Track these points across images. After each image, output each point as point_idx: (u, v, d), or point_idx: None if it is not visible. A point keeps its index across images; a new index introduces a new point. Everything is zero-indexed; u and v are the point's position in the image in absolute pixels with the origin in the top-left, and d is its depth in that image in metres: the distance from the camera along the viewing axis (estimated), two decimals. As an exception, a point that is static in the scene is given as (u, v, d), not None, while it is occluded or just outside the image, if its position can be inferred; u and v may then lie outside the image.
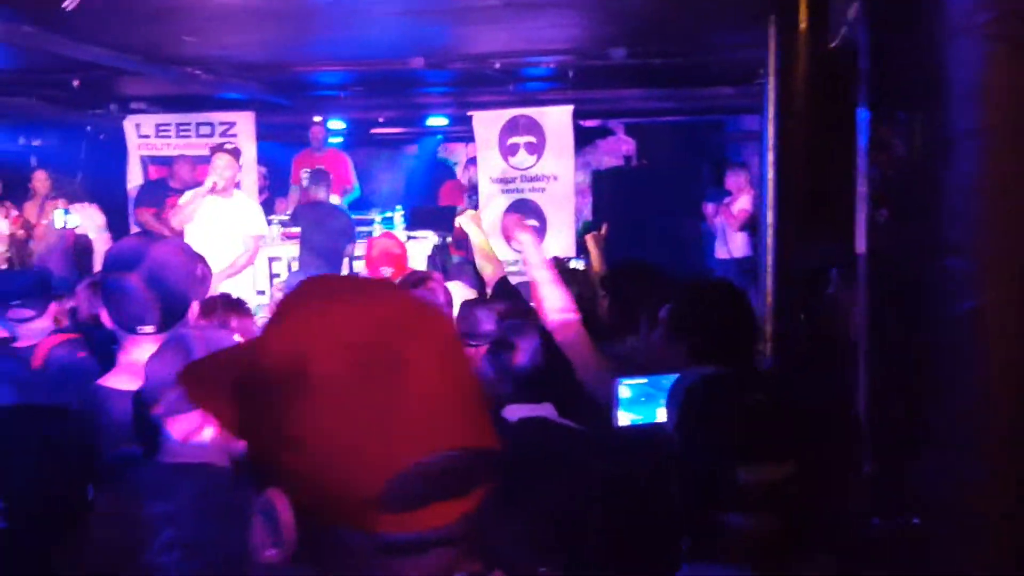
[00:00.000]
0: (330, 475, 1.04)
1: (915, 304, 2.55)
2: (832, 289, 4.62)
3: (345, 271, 9.24)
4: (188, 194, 8.40)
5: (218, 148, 8.44)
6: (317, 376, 1.04)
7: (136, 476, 2.26)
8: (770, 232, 6.57)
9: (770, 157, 6.66)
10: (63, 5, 6.07)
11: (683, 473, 2.09)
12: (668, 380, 2.63)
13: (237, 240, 7.96)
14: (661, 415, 2.94)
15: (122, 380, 3.05)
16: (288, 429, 1.05)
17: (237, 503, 1.94)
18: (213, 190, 8.09)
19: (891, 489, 2.70)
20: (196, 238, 7.88)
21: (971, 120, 2.45)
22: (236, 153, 8.45)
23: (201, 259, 3.44)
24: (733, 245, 11.05)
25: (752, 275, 10.22)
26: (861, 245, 2.89)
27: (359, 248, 10.01)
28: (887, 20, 2.76)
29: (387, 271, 6.37)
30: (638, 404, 3.12)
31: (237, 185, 8.81)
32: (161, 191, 10.37)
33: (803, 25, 5.62)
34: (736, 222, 10.92)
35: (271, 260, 9.93)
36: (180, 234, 8.01)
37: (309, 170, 11.19)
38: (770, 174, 6.64)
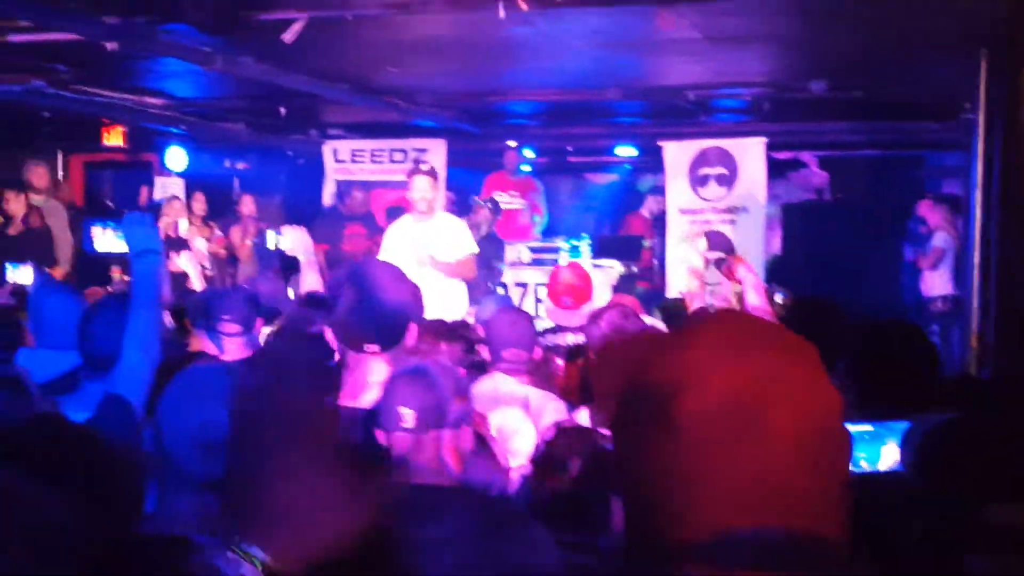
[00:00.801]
0: (664, 508, 1.08)
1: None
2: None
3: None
4: (393, 228, 8.33)
5: (415, 170, 8.34)
6: (684, 412, 1.08)
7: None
8: (976, 272, 6.36)
9: (977, 195, 6.45)
10: (283, 37, 6.35)
11: (927, 516, 2.06)
12: (895, 425, 2.59)
13: (451, 261, 7.84)
14: (887, 457, 2.91)
15: (345, 397, 3.18)
16: (645, 451, 1.10)
17: (510, 524, 1.96)
18: (414, 211, 8.11)
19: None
20: (401, 261, 7.91)
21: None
22: (434, 174, 8.33)
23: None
24: (927, 283, 10.70)
25: (949, 315, 9.89)
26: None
27: (542, 275, 10.15)
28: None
29: (568, 301, 6.40)
30: (861, 444, 3.09)
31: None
32: (337, 222, 10.67)
33: (1020, 58, 5.44)
34: (930, 260, 10.58)
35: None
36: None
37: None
38: (978, 212, 6.43)
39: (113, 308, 3.75)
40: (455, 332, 4.34)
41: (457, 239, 8.09)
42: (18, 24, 6.88)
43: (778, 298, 6.20)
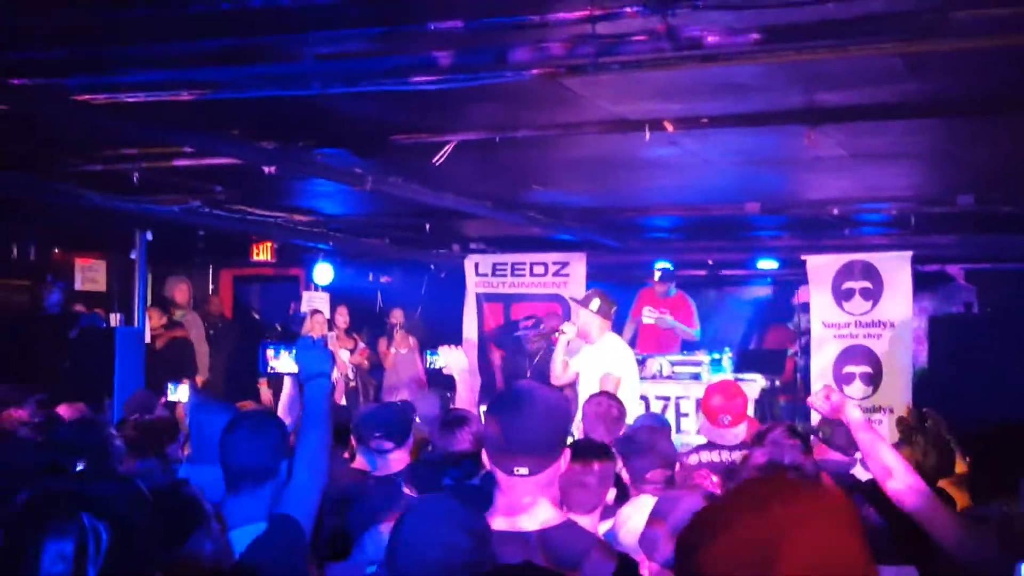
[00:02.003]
0: None
1: None
2: None
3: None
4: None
5: (578, 303, 8.51)
6: (705, 557, 1.21)
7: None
8: None
9: None
10: (433, 160, 6.55)
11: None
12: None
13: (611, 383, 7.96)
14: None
15: (498, 521, 3.18)
16: None
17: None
18: (577, 336, 8.23)
19: None
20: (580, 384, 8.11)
21: None
22: (585, 303, 8.46)
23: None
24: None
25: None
26: None
27: (682, 388, 10.08)
28: None
29: (726, 419, 6.33)
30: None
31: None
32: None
33: None
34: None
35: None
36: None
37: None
38: None
39: (260, 422, 3.85)
40: (605, 451, 4.34)
41: (613, 362, 8.19)
42: (182, 150, 7.24)
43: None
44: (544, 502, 3.06)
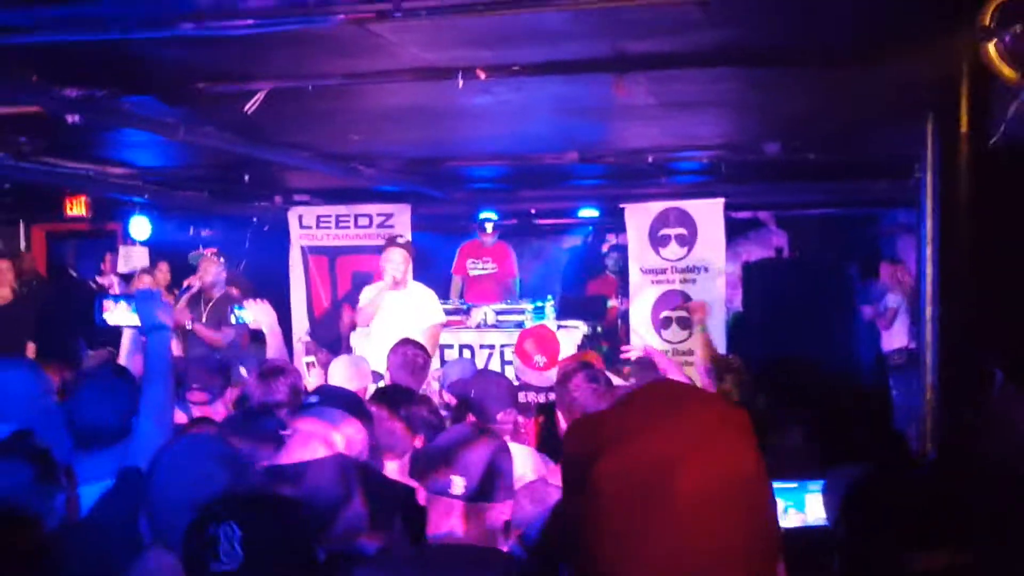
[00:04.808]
0: (593, 569, 1.15)
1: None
2: (997, 392, 4.55)
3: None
4: (368, 291, 8.61)
5: (391, 242, 8.57)
6: (600, 475, 1.15)
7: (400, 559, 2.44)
8: (929, 328, 6.48)
9: (928, 251, 6.59)
10: (245, 109, 6.43)
11: (852, 565, 2.13)
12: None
13: (417, 331, 8.00)
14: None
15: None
16: (574, 518, 1.18)
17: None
18: (392, 285, 8.28)
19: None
20: (380, 332, 8.13)
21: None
22: (408, 247, 8.58)
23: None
24: (885, 338, 10.90)
25: (907, 368, 10.04)
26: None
27: (507, 337, 10.19)
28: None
29: (541, 361, 6.47)
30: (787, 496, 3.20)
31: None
32: None
33: (964, 123, 5.60)
34: (885, 319, 10.80)
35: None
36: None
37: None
38: (928, 269, 6.56)
39: (109, 380, 3.79)
40: (411, 397, 4.42)
41: (428, 309, 8.30)
42: (-22, 98, 6.93)
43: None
44: (316, 443, 3.17)
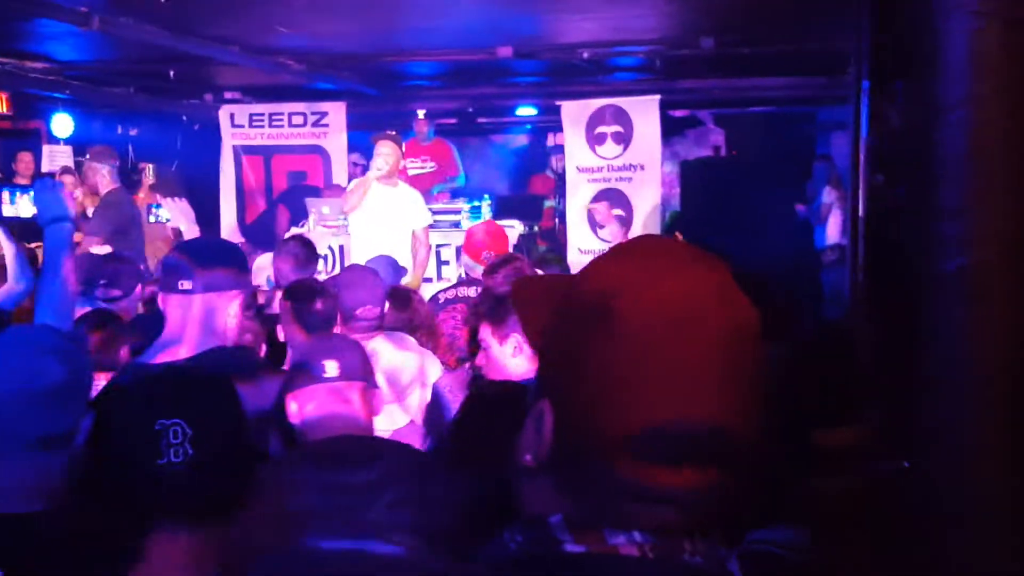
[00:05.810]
0: (599, 407, 1.15)
1: (910, 261, 2.88)
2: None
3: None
4: (355, 181, 8.50)
5: (381, 136, 8.43)
6: (621, 318, 1.14)
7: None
8: (860, 223, 6.48)
9: (860, 148, 6.56)
10: (160, -4, 6.22)
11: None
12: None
13: (405, 230, 7.95)
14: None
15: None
16: (579, 356, 1.16)
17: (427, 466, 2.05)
18: (383, 177, 8.14)
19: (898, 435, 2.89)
20: (364, 226, 8.09)
21: (962, 91, 2.72)
22: (398, 139, 8.46)
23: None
24: (819, 238, 11.03)
25: (839, 264, 10.13)
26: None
27: (442, 236, 10.10)
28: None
29: (489, 255, 6.44)
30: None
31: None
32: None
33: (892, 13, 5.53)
34: (818, 215, 10.93)
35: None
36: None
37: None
38: (860, 165, 6.54)
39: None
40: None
41: (416, 209, 8.27)
42: None
43: None
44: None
